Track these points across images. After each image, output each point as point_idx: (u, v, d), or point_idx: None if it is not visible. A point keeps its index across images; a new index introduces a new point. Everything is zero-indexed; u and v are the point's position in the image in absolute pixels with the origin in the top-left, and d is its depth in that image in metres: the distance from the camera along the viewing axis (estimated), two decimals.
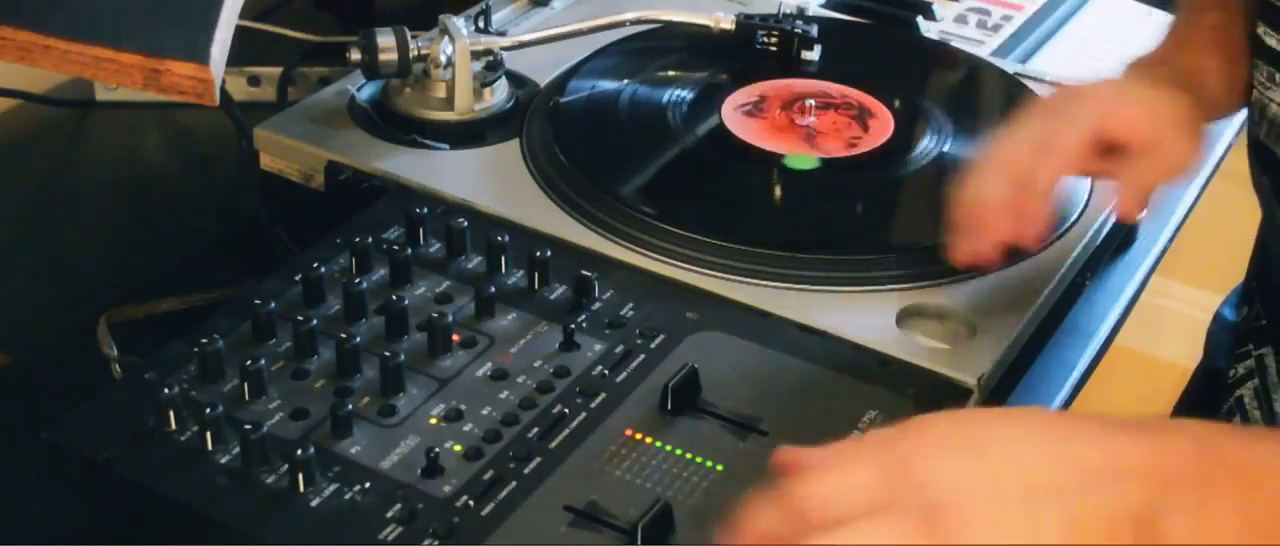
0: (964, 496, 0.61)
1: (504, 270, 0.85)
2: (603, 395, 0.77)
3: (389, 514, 0.69)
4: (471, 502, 0.70)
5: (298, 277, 0.82)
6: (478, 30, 1.02)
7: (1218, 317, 1.10)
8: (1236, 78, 0.90)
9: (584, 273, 0.83)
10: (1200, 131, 0.84)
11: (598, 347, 0.80)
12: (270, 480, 0.70)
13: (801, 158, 0.95)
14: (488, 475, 0.71)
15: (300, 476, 0.70)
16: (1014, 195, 0.82)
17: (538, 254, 0.84)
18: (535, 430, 0.74)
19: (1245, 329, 0.99)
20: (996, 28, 1.18)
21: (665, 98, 1.01)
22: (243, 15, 0.87)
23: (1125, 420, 0.64)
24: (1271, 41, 0.85)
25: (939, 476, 0.62)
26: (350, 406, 0.73)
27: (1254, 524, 0.60)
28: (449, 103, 0.97)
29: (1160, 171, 0.83)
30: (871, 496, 0.62)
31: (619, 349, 0.80)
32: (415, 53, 0.97)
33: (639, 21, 1.07)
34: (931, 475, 0.62)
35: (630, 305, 0.83)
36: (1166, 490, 0.61)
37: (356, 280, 0.81)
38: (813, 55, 1.07)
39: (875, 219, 0.91)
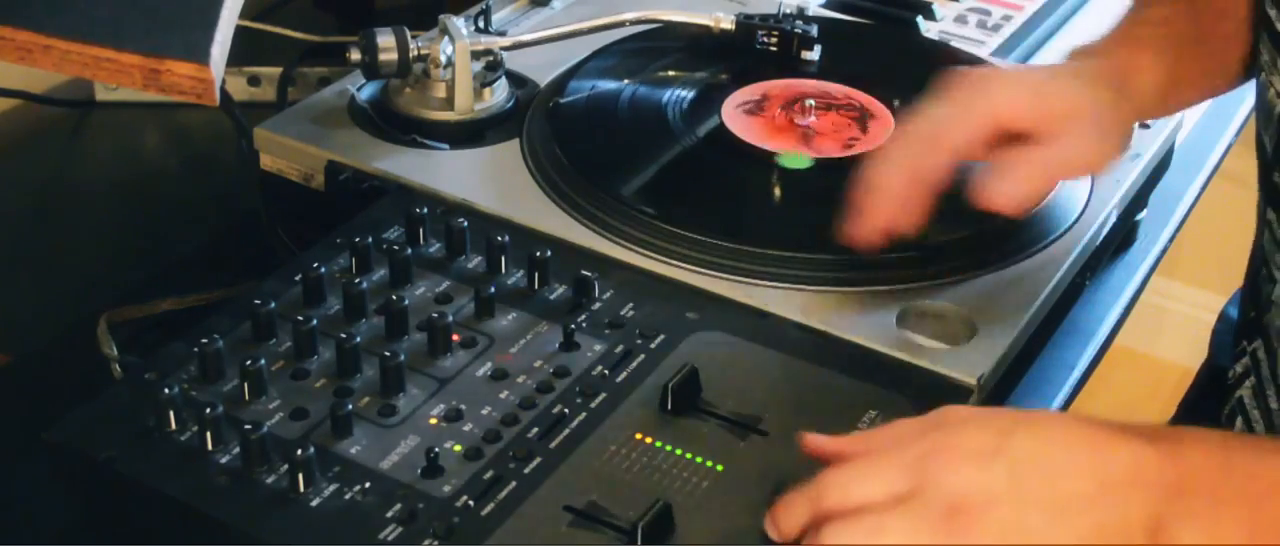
0: (987, 498, 0.64)
1: (504, 270, 0.85)
2: (603, 395, 0.77)
3: (389, 514, 0.69)
4: (471, 502, 0.70)
5: (298, 278, 0.82)
6: (478, 30, 1.02)
7: (1223, 316, 1.10)
8: (1179, 75, 0.89)
9: (584, 273, 0.83)
10: (1114, 129, 0.84)
11: (598, 347, 0.80)
12: (270, 480, 0.70)
13: (795, 157, 0.95)
14: (488, 475, 0.71)
15: (300, 476, 0.70)
16: (905, 184, 0.82)
17: (538, 254, 0.84)
18: (535, 430, 0.74)
19: (1242, 324, 0.99)
20: (996, 28, 1.18)
21: (665, 98, 1.01)
22: (243, 15, 0.87)
23: (1143, 428, 0.67)
24: None
25: (964, 479, 0.64)
26: (350, 406, 0.73)
27: (1260, 532, 0.63)
28: (449, 103, 0.97)
29: (1059, 164, 0.82)
30: (894, 490, 0.64)
31: (619, 349, 0.80)
32: (415, 53, 0.97)
33: (639, 21, 1.07)
34: (957, 477, 0.64)
35: (630, 305, 0.83)
36: (1179, 499, 0.64)
37: (356, 280, 0.81)
38: (813, 55, 1.07)
39: None
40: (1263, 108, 0.89)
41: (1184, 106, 0.98)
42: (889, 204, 0.82)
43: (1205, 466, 0.65)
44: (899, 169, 0.83)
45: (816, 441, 0.70)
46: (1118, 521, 0.63)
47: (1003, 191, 0.80)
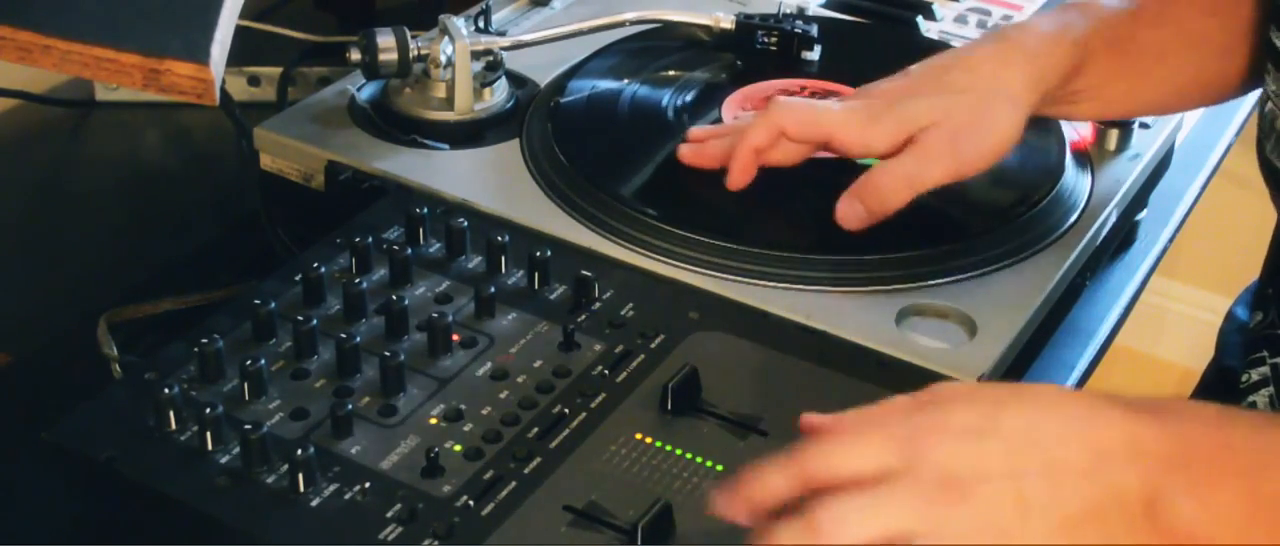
0: (981, 471, 0.62)
1: (504, 270, 0.85)
2: (603, 395, 0.77)
3: (389, 514, 0.69)
4: (471, 502, 0.70)
5: (298, 277, 0.82)
6: (478, 30, 1.02)
7: (1230, 316, 1.10)
8: (1111, 75, 0.90)
9: (584, 273, 0.83)
10: (973, 134, 0.85)
11: (598, 347, 0.80)
12: (270, 480, 0.70)
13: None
14: (488, 475, 0.71)
15: (300, 476, 0.70)
16: (750, 152, 0.89)
17: (538, 254, 0.84)
18: (535, 430, 0.74)
19: (1260, 334, 0.99)
20: (996, 28, 1.18)
21: (665, 98, 1.02)
22: (243, 15, 0.87)
23: (1141, 401, 0.65)
24: None
25: (955, 454, 0.63)
26: (350, 406, 0.73)
27: (1259, 508, 0.62)
28: (449, 103, 0.97)
29: (904, 180, 0.85)
30: (883, 464, 0.63)
31: (619, 349, 0.80)
32: (415, 53, 0.97)
33: (639, 21, 1.07)
34: (949, 453, 0.63)
35: (630, 305, 0.83)
36: (1176, 472, 0.62)
37: (356, 280, 0.81)
38: (813, 55, 1.07)
39: None
40: (1274, 135, 0.88)
41: (1127, 111, 0.97)
42: (723, 153, 0.90)
43: (1203, 439, 0.64)
44: (756, 137, 0.89)
45: (812, 419, 0.68)
46: (1114, 493, 0.62)
47: (843, 210, 0.86)
